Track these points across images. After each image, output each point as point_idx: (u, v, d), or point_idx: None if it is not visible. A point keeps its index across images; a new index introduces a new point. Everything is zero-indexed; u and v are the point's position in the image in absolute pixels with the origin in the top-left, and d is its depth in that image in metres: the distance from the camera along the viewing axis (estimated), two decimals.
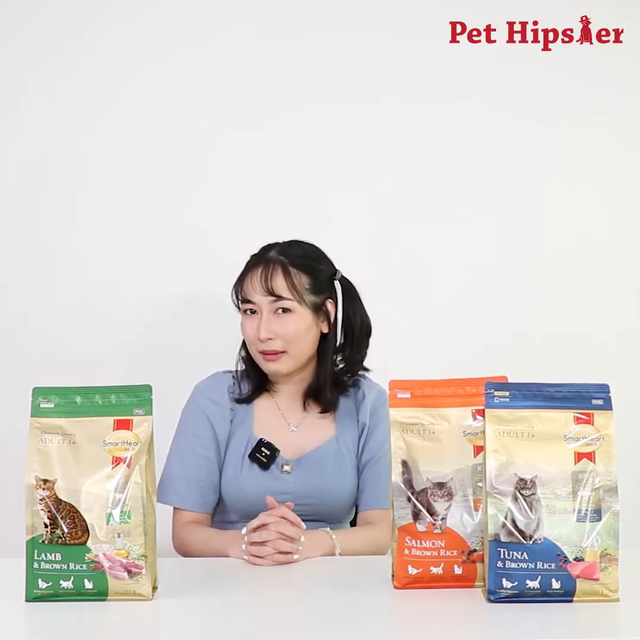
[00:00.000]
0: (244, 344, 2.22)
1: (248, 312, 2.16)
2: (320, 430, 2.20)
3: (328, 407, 2.20)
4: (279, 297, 2.13)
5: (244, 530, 1.91)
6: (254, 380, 2.21)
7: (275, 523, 1.89)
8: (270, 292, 2.13)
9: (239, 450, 2.16)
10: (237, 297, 2.19)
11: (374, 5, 2.81)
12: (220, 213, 2.80)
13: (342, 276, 2.25)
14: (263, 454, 2.13)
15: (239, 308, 2.20)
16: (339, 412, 2.21)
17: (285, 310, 2.14)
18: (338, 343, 2.21)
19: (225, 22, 2.79)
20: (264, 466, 2.13)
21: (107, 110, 2.78)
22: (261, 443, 2.14)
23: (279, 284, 2.14)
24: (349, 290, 2.25)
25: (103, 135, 2.78)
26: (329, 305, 2.21)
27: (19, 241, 2.79)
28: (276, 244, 2.21)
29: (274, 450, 2.13)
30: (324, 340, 2.20)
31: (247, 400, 2.20)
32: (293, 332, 2.13)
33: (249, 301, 2.16)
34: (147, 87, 2.79)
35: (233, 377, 2.23)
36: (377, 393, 2.22)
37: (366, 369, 2.26)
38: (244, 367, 2.24)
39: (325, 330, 2.20)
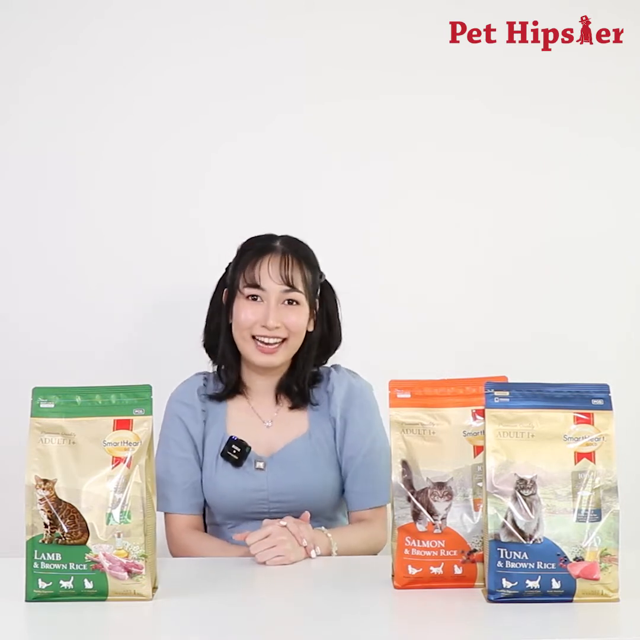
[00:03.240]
0: (225, 338, 2.20)
1: (250, 298, 2.16)
2: (294, 426, 2.19)
3: (299, 402, 2.20)
4: (293, 288, 2.14)
5: (248, 540, 1.90)
6: (229, 379, 2.21)
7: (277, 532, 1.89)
8: (287, 282, 2.13)
9: (214, 450, 2.17)
10: (241, 280, 2.16)
11: (374, 5, 2.80)
12: (220, 213, 2.80)
13: (325, 279, 2.26)
14: (234, 451, 2.14)
15: (234, 293, 2.17)
16: (311, 406, 2.21)
17: (291, 302, 2.14)
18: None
19: (225, 21, 2.79)
20: (236, 463, 2.14)
21: (106, 109, 2.78)
22: (231, 440, 2.15)
23: (297, 276, 2.15)
24: (332, 293, 2.26)
25: (102, 135, 2.78)
26: (317, 304, 2.22)
27: (17, 241, 2.78)
28: (276, 236, 2.21)
29: (244, 447, 2.14)
30: (307, 337, 2.20)
31: (218, 397, 2.20)
32: (297, 324, 2.14)
33: (257, 287, 2.14)
34: (146, 87, 2.79)
35: (205, 378, 2.24)
36: (348, 386, 2.21)
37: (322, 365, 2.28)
38: (218, 367, 2.23)
39: (311, 328, 2.21)
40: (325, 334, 2.24)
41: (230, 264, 2.23)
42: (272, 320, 2.11)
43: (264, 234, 2.23)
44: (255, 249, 2.18)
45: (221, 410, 2.21)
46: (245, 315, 2.14)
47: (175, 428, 2.19)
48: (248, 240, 2.22)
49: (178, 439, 2.18)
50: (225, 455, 2.14)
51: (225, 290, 2.22)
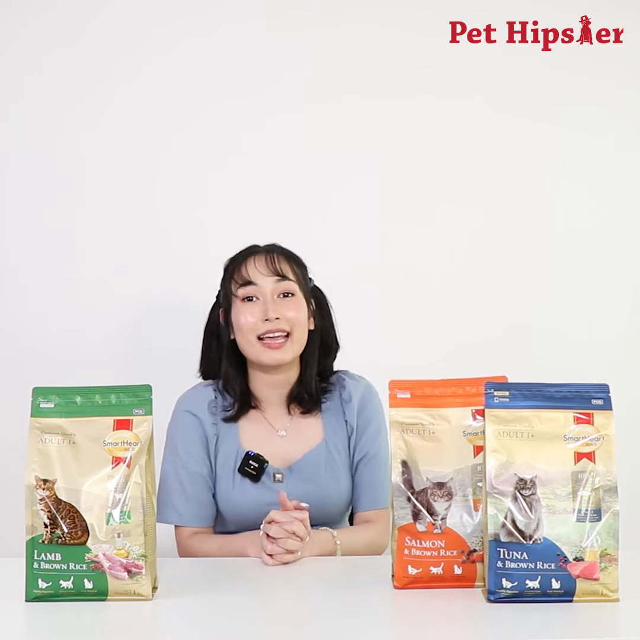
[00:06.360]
0: (230, 348, 2.18)
1: (246, 299, 2.15)
2: (308, 435, 2.18)
3: (311, 406, 2.18)
4: (285, 277, 2.13)
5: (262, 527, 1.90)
6: (237, 394, 2.18)
7: (289, 523, 1.87)
8: (277, 273, 2.13)
9: (229, 465, 2.14)
10: (233, 285, 2.15)
11: (374, 5, 2.81)
12: (221, 212, 2.80)
13: (314, 285, 2.24)
14: (251, 467, 2.11)
15: (230, 303, 2.16)
16: (324, 414, 2.19)
17: (287, 294, 2.14)
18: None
19: (225, 20, 2.80)
20: (254, 479, 2.11)
21: (108, 109, 2.79)
22: (248, 456, 2.12)
23: (286, 267, 2.15)
24: (322, 299, 2.25)
25: (104, 135, 2.79)
26: (313, 303, 2.22)
27: (20, 241, 2.79)
28: (259, 245, 2.21)
29: (262, 462, 2.11)
30: (310, 336, 2.19)
31: (234, 418, 2.17)
32: (297, 315, 2.13)
33: (250, 283, 2.13)
34: (147, 86, 2.80)
35: (214, 389, 2.21)
36: (364, 388, 2.20)
37: (333, 372, 2.26)
38: (223, 384, 2.20)
39: (312, 327, 2.20)
40: (323, 337, 2.23)
41: (219, 291, 2.22)
42: (271, 311, 2.10)
43: (250, 245, 2.22)
44: (240, 256, 2.19)
45: (233, 424, 2.18)
46: (245, 317, 2.13)
47: (187, 442, 2.15)
48: (231, 257, 2.22)
49: (191, 451, 2.14)
50: (242, 471, 2.11)
51: (220, 310, 2.21)
